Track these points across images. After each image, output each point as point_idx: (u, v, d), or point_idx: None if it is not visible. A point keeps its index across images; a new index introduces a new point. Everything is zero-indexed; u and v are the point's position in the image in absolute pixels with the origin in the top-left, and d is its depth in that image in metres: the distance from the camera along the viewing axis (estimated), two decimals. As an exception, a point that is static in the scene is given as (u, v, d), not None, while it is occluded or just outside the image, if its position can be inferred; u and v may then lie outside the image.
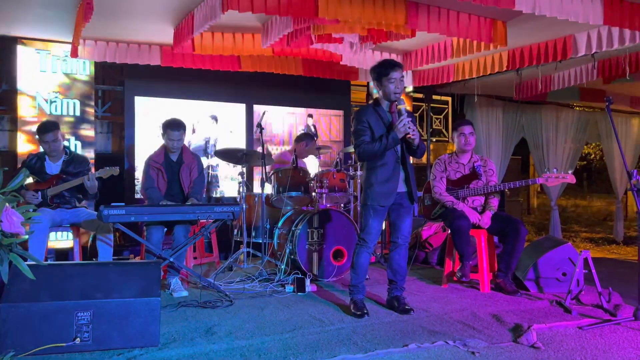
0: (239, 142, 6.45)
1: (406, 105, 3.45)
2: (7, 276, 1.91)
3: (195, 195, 4.43)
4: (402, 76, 3.48)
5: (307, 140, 5.52)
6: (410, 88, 7.18)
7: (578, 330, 3.13)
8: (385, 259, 5.19)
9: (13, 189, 1.86)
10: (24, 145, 5.27)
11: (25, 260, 2.35)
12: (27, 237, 1.90)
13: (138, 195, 5.82)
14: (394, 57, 5.84)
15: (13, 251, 1.85)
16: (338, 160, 5.16)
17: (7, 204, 1.80)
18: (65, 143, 4.95)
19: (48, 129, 4.20)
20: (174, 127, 4.38)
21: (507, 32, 4.54)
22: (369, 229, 3.51)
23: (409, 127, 3.36)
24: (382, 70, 3.46)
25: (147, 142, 5.89)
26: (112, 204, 3.69)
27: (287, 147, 6.41)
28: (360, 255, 3.55)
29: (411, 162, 3.67)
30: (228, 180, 6.40)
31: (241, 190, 4.99)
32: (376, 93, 3.61)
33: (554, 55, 4.92)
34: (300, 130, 6.76)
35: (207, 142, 6.29)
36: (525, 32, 4.77)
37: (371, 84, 6.92)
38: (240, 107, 6.51)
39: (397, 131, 3.36)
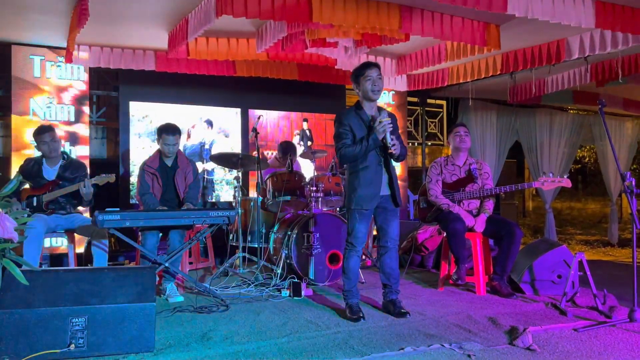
0: (235, 146, 6.45)
1: (387, 109, 3.43)
2: (1, 282, 1.90)
3: (191, 200, 4.42)
4: (380, 76, 3.48)
5: (280, 152, 5.60)
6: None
7: (573, 332, 3.14)
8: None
9: (6, 195, 1.85)
10: (18, 151, 5.25)
11: (20, 266, 2.34)
12: (18, 242, 1.89)
13: (133, 201, 5.81)
14: (388, 61, 5.87)
15: (6, 257, 1.84)
16: (333, 164, 5.16)
17: (0, 210, 1.79)
18: (62, 148, 4.94)
19: (44, 129, 4.26)
20: (169, 131, 4.38)
21: (500, 36, 4.57)
22: (356, 233, 3.51)
23: (389, 128, 3.35)
24: (359, 71, 3.49)
25: (141, 147, 5.88)
26: (107, 209, 3.68)
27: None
28: (349, 259, 3.55)
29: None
30: (223, 185, 6.40)
31: (237, 194, 4.99)
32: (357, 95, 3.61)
33: (547, 58, 4.96)
34: (295, 134, 6.77)
35: (202, 146, 6.29)
36: (519, 36, 4.80)
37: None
38: (236, 112, 6.52)
39: (377, 132, 3.37)
